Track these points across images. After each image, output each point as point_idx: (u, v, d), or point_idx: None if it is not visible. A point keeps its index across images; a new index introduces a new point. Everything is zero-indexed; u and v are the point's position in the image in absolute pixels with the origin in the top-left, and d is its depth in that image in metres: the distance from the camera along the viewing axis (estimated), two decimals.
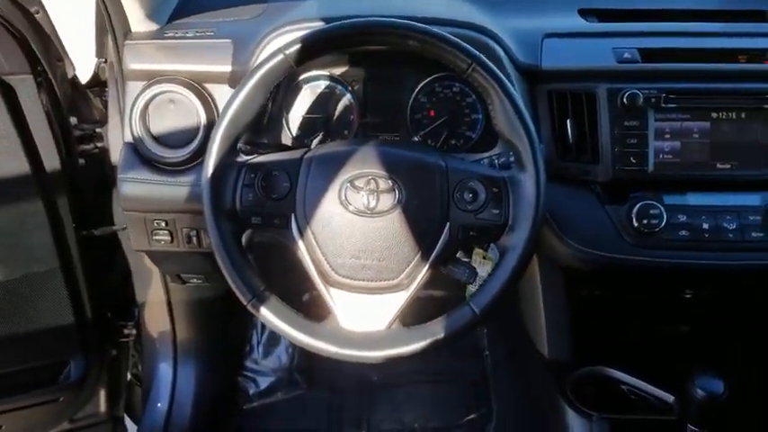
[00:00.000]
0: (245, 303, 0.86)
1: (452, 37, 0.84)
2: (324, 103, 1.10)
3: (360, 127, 1.11)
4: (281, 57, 0.84)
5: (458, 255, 1.09)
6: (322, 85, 1.10)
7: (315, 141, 1.08)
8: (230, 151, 0.87)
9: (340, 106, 1.10)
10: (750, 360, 1.24)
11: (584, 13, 1.11)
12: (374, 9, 1.08)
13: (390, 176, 0.86)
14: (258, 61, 0.90)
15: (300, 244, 0.87)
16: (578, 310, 1.17)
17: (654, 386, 1.12)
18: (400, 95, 1.09)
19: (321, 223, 0.86)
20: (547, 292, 1.15)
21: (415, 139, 1.10)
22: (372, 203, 0.85)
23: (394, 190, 0.85)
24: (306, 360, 1.68)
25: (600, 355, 1.22)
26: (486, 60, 0.84)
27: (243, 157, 0.89)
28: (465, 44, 0.84)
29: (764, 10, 1.11)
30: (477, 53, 0.84)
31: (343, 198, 0.85)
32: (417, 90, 1.08)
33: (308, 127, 1.10)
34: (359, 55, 1.07)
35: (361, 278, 0.86)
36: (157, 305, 1.52)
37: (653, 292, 1.17)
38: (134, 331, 1.61)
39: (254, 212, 0.87)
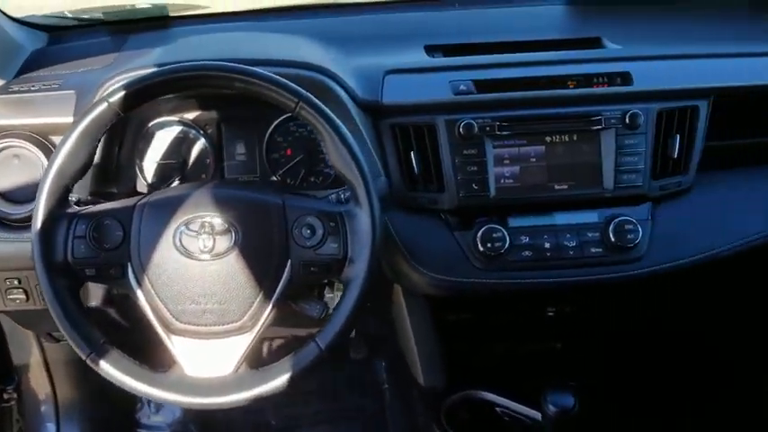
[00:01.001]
0: (83, 358, 0.84)
1: (276, 77, 0.85)
2: (177, 148, 1.10)
3: (217, 170, 1.11)
4: (104, 105, 0.84)
5: (324, 290, 1.10)
6: (174, 130, 1.10)
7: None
8: (59, 203, 0.85)
9: (195, 150, 1.11)
10: (608, 372, 1.29)
11: (430, 49, 1.16)
12: (221, 53, 1.09)
13: (226, 218, 0.86)
14: None
15: (139, 293, 0.86)
16: (448, 335, 1.19)
17: (525, 405, 1.15)
18: (255, 136, 1.10)
19: (158, 270, 0.85)
20: (414, 320, 1.17)
21: (274, 178, 1.11)
22: (208, 246, 0.85)
23: (230, 231, 0.86)
24: (200, 410, 1.64)
25: (474, 378, 1.24)
26: (312, 98, 0.86)
27: (75, 209, 0.88)
28: (290, 83, 0.86)
29: (600, 37, 1.18)
30: (303, 92, 0.85)
31: (179, 243, 0.85)
32: (271, 129, 1.10)
33: (163, 173, 1.10)
34: (209, 97, 1.08)
35: (203, 323, 0.85)
36: (35, 366, 1.47)
37: (516, 312, 1.20)
38: (15, 395, 1.55)
39: (88, 264, 0.85)
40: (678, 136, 1.04)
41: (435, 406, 1.20)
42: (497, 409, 1.18)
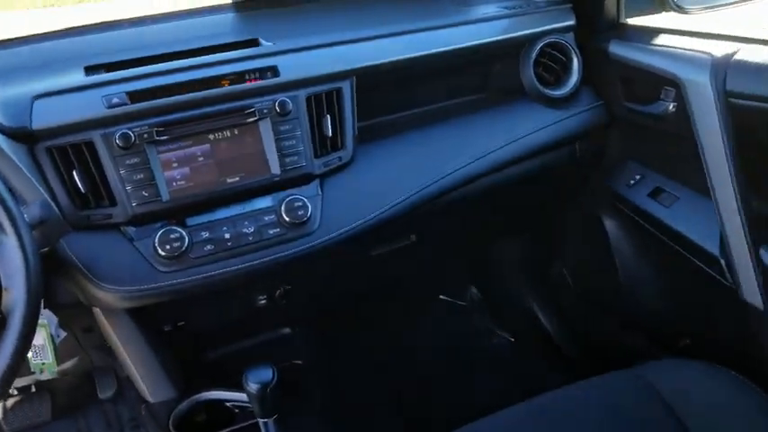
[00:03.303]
0: None
1: None
2: None
3: None
4: None
5: None
6: None
7: None
8: None
9: None
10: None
11: (90, 69, 1.15)
12: None
13: None
14: None
15: None
16: (166, 345, 1.20)
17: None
18: None
19: None
20: (124, 338, 1.16)
21: None
22: None
23: None
24: None
25: (209, 380, 1.26)
26: None
27: None
28: None
29: (257, 38, 1.26)
30: None
31: None
32: None
33: None
34: None
35: None
36: None
37: (228, 307, 1.25)
38: None
39: None
40: (329, 116, 1.15)
41: (163, 420, 1.20)
42: (227, 404, 1.21)
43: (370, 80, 1.21)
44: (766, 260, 1.07)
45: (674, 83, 1.16)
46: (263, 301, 1.25)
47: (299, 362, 1.37)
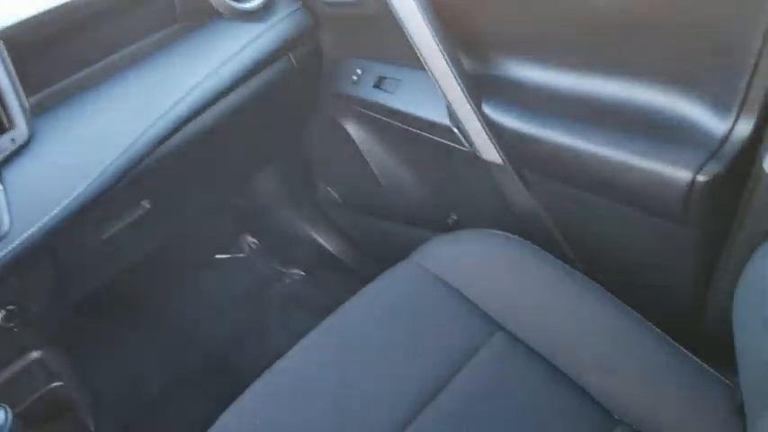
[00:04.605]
0: None
1: None
2: None
3: None
4: None
5: None
6: None
7: None
8: None
9: None
10: None
11: None
12: None
13: None
14: None
15: None
16: None
17: None
18: None
19: None
20: None
21: None
22: None
23: None
24: None
25: None
26: None
27: None
28: None
29: None
30: None
31: None
32: None
33: None
34: None
35: None
36: None
37: None
38: None
39: None
40: None
41: None
42: None
43: (26, 41, 1.00)
44: (490, 115, 1.07)
45: None
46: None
47: (60, 383, 1.18)
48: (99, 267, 1.27)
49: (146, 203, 1.20)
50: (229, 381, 1.41)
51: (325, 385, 0.97)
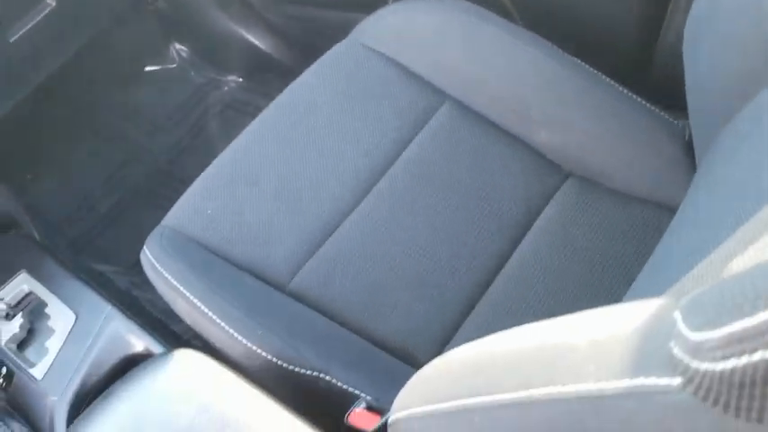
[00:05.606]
0: None
1: None
2: None
3: None
4: None
5: None
6: None
7: None
8: None
9: None
10: None
11: None
12: None
13: None
14: None
15: None
16: None
17: None
18: None
19: None
20: None
21: None
22: None
23: None
24: None
25: None
26: None
27: None
28: None
29: None
30: None
31: None
32: None
33: None
34: None
35: None
36: None
37: None
38: None
39: None
40: None
41: None
42: None
43: None
44: None
45: None
46: None
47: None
48: (16, 76, 1.15)
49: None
50: (176, 191, 1.37)
51: (271, 169, 0.94)
